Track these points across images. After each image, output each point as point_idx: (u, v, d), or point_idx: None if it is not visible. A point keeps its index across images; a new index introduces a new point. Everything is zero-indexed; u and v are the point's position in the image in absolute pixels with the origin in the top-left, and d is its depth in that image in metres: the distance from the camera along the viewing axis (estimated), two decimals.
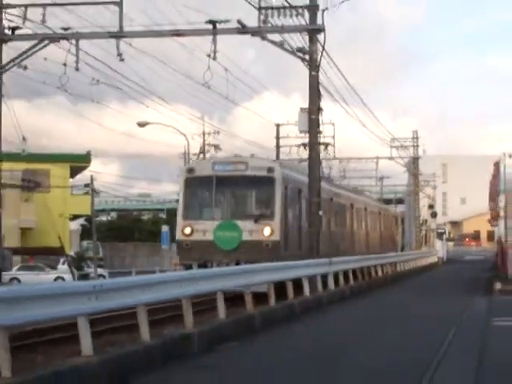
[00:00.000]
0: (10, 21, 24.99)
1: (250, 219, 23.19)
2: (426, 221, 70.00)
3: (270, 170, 23.23)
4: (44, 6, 24.16)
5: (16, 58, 24.58)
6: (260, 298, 18.73)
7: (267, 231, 22.60)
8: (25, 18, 24.59)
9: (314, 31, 24.97)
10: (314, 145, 26.35)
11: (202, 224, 23.40)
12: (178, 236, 23.64)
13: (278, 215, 23.15)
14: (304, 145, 36.44)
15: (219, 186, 23.95)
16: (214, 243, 22.67)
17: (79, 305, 9.88)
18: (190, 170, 24.91)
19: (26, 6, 24.59)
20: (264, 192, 24.12)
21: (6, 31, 24.98)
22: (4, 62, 25.11)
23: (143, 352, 11.53)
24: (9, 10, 25.09)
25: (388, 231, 50.44)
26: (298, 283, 21.75)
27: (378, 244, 44.01)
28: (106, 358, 10.00)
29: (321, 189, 26.63)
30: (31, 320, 9.39)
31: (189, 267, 21.57)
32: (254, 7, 24.03)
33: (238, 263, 21.26)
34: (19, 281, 40.61)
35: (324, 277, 24.43)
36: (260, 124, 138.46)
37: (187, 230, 22.97)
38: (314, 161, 26.10)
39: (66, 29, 24.39)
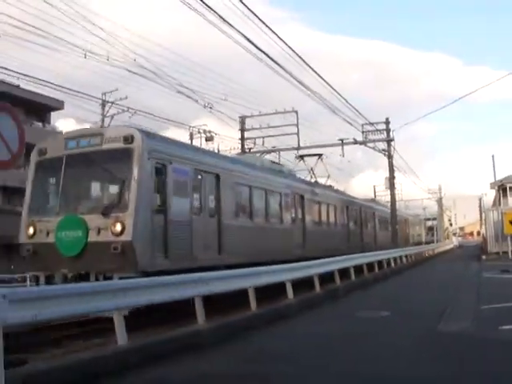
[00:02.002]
0: (249, 144, 44.78)
1: (98, 212, 15.41)
2: (447, 227, 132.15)
3: (127, 139, 15.72)
4: (263, 137, 43.68)
5: None
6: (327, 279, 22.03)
7: (118, 228, 14.81)
8: (254, 144, 44.50)
9: (389, 141, 42.43)
10: (393, 196, 45.54)
11: (45, 222, 15.94)
12: (21, 238, 16.16)
13: (134, 203, 15.20)
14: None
15: (69, 168, 16.45)
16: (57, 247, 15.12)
17: None
18: (41, 151, 17.11)
19: (255, 139, 45.17)
20: (119, 171, 16.34)
21: (247, 150, 43.99)
22: None
23: (293, 304, 17.18)
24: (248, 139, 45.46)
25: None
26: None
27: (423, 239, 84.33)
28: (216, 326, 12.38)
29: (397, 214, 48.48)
30: None
31: (36, 279, 15.33)
32: (360, 131, 43.03)
33: (82, 277, 14.27)
34: None
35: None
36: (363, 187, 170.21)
37: (30, 230, 15.93)
38: (393, 204, 46.20)
39: (273, 147, 44.87)
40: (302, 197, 27.99)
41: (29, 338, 10.31)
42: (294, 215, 26.85)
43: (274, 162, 31.08)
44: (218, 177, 19.35)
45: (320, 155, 39.77)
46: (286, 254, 23.17)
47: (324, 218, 31.98)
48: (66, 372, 8.49)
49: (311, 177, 37.98)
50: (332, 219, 33.37)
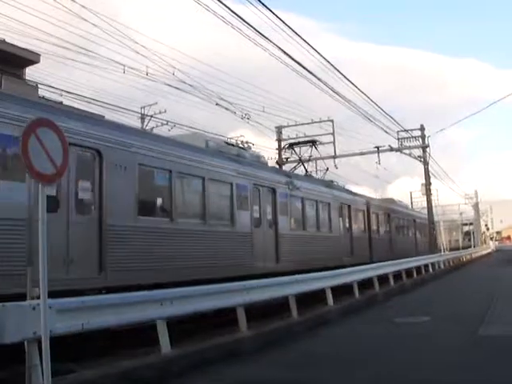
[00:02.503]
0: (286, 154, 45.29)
1: None
2: (484, 232, 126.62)
3: None
4: (300, 147, 46.93)
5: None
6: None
7: None
8: (291, 154, 46.35)
9: (424, 147, 41.96)
10: (429, 202, 45.07)
11: None
12: None
13: None
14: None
15: None
16: None
17: None
18: None
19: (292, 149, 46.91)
20: None
21: (284, 159, 43.42)
22: None
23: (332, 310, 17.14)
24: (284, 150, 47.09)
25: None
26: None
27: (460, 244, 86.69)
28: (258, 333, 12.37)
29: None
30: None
31: None
32: (395, 138, 43.58)
33: None
34: None
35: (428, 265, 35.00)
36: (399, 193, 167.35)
37: None
38: (429, 209, 44.83)
39: (309, 156, 47.04)
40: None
41: (75, 346, 10.37)
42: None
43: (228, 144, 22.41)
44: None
45: (313, 142, 36.42)
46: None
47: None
48: (111, 380, 8.55)
49: (306, 170, 35.23)
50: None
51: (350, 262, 24.94)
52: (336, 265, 21.47)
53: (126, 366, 9.21)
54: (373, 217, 33.86)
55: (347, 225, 28.67)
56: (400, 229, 40.85)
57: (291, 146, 37.01)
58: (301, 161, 35.25)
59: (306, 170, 35.24)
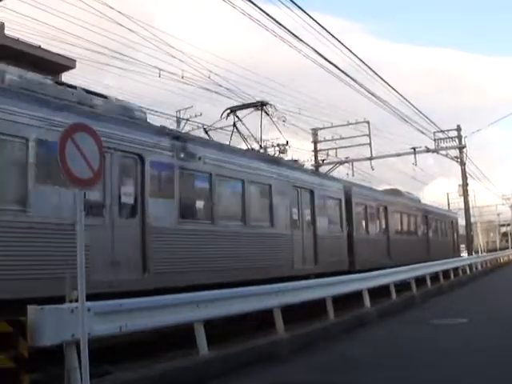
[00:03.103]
0: (322, 156, 44.79)
1: None
2: None
3: None
4: (336, 149, 43.98)
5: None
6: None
7: None
8: (327, 155, 44.63)
9: (461, 148, 41.68)
10: (466, 203, 45.07)
11: None
12: None
13: None
14: None
15: None
16: None
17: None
18: None
19: (328, 150, 46.46)
20: None
21: (320, 161, 44.07)
22: None
23: (369, 312, 16.90)
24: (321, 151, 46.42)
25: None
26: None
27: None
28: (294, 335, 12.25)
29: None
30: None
31: None
32: (432, 139, 43.13)
33: None
34: None
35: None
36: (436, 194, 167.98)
37: None
38: (467, 210, 45.20)
39: (346, 158, 45.45)
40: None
41: (113, 349, 10.38)
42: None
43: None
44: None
45: (263, 105, 24.45)
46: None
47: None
48: (149, 382, 8.55)
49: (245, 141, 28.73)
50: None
51: (308, 271, 19.29)
52: (273, 277, 15.66)
53: (164, 368, 9.17)
54: (357, 209, 25.75)
55: (308, 218, 20.66)
56: (403, 227, 32.41)
57: (232, 111, 30.84)
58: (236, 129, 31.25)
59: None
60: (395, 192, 35.61)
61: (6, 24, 35.37)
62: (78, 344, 7.09)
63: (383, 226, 28.74)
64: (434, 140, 42.30)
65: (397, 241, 29.24)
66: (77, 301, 7.21)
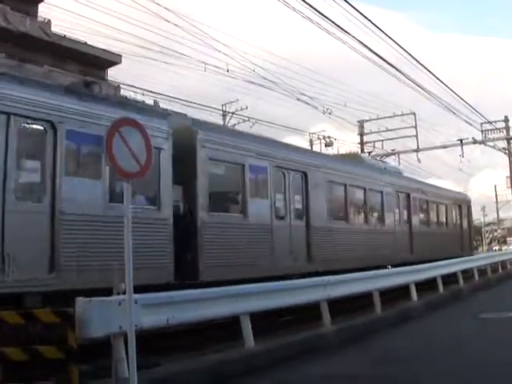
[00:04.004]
0: (368, 148, 44.72)
1: None
2: None
3: None
4: (382, 141, 44.00)
5: None
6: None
7: None
8: (373, 147, 44.22)
9: (508, 139, 40.59)
10: None
11: None
12: None
13: None
14: None
15: None
16: None
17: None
18: None
19: (374, 143, 46.33)
20: None
21: (366, 154, 42.25)
22: None
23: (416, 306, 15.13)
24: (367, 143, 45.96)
25: None
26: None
27: None
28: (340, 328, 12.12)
29: None
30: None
31: None
32: (480, 130, 42.89)
33: None
34: None
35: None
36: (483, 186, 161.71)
37: None
38: None
39: (392, 150, 44.91)
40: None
41: (160, 341, 10.42)
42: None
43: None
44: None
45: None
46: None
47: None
48: (196, 374, 8.52)
49: None
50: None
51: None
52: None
53: (211, 360, 9.20)
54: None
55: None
56: (351, 210, 20.98)
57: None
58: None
59: None
60: (354, 158, 28.01)
61: (52, 21, 35.88)
62: (126, 336, 7.08)
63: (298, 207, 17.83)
64: (482, 131, 41.61)
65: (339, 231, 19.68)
66: (124, 293, 7.19)
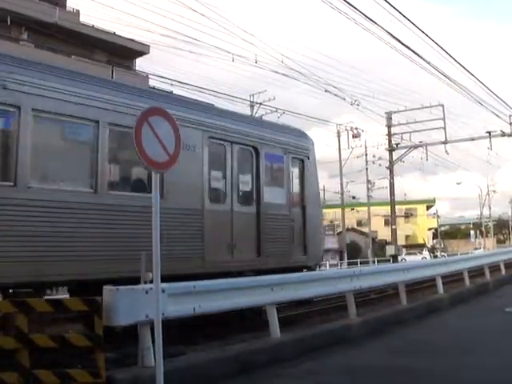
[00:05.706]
0: (395, 140, 43.66)
1: None
2: None
3: None
4: (410, 133, 43.01)
5: (398, 158, 42.57)
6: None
7: None
8: (401, 139, 43.20)
9: None
10: None
11: None
12: None
13: None
14: None
15: None
16: None
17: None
18: None
19: (402, 134, 45.52)
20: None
21: (394, 145, 43.14)
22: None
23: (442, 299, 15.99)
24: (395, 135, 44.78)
25: None
26: None
27: None
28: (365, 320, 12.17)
29: None
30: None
31: None
32: (508, 123, 41.82)
33: None
34: (405, 260, 52.29)
35: None
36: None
37: None
38: None
39: (420, 142, 44.87)
40: None
41: (186, 330, 10.39)
42: None
43: None
44: None
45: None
46: None
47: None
48: (222, 363, 8.50)
49: None
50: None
51: None
52: None
53: (237, 349, 9.18)
54: None
55: None
56: None
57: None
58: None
59: None
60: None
61: (80, 11, 35.99)
62: (153, 324, 7.03)
63: None
64: (510, 123, 40.96)
65: None
66: (151, 282, 7.15)
